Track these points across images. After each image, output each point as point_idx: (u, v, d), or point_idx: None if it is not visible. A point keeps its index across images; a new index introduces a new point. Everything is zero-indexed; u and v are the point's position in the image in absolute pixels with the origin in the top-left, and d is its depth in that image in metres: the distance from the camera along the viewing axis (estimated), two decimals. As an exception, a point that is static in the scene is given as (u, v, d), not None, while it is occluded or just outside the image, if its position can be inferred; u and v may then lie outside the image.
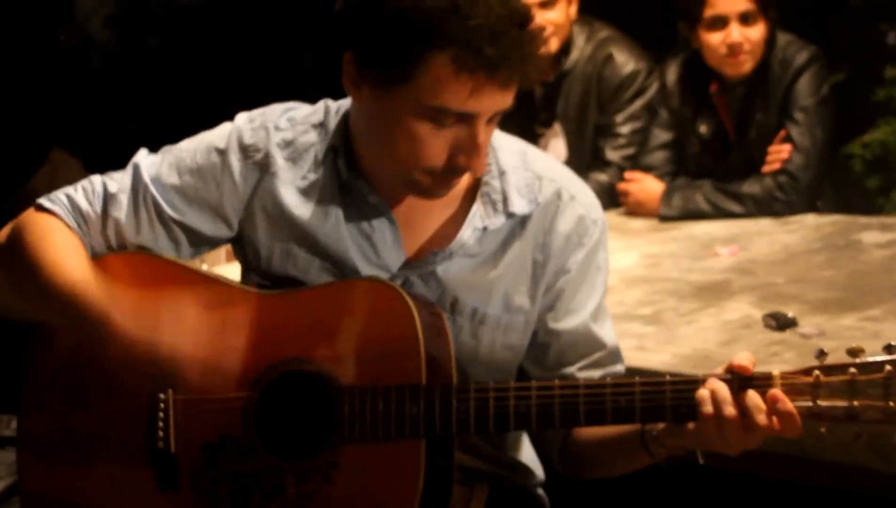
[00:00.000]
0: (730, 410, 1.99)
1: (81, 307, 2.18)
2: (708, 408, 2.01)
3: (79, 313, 2.18)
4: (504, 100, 2.08)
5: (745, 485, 2.90)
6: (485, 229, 2.25)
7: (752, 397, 1.99)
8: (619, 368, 2.35)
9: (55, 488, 2.28)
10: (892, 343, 1.98)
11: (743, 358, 2.03)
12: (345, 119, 2.27)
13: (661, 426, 2.12)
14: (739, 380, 2.02)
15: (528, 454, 2.50)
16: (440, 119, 2.07)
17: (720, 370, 2.06)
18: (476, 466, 2.40)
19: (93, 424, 2.24)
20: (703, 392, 2.02)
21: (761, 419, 1.98)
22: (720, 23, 4.32)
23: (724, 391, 2.01)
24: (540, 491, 2.52)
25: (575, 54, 4.71)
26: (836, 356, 2.02)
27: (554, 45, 4.61)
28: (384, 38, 2.05)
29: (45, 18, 5.09)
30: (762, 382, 2.01)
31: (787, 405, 1.98)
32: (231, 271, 2.42)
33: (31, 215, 2.29)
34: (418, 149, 2.10)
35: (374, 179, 2.25)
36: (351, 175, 2.25)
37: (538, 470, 2.51)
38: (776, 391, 1.98)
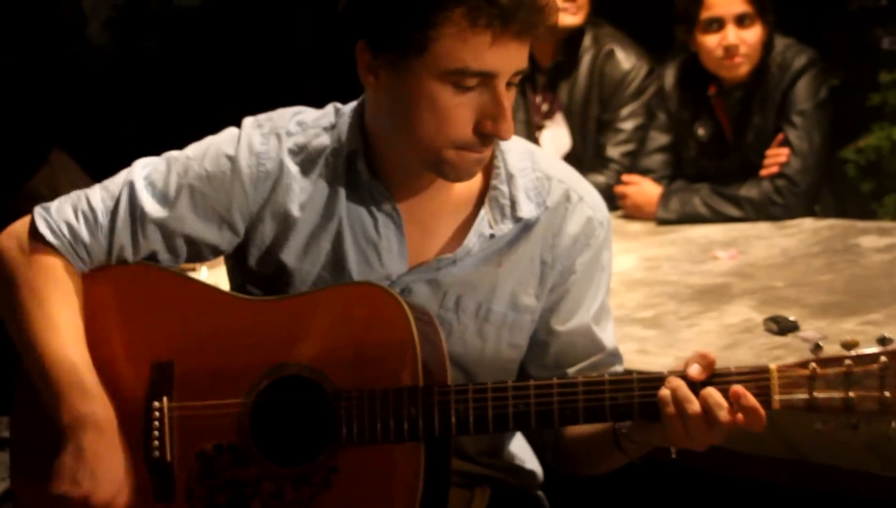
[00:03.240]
0: (692, 408, 2.00)
1: (69, 385, 2.15)
2: (670, 408, 2.01)
3: (65, 389, 2.15)
4: (520, 56, 2.07)
5: (745, 489, 2.89)
6: (492, 236, 2.24)
7: (713, 394, 2.00)
8: (617, 368, 2.35)
9: (48, 495, 2.25)
10: (886, 335, 1.99)
11: (695, 371, 2.02)
12: (359, 121, 2.25)
13: (629, 423, 2.13)
14: (737, 375, 2.02)
15: (527, 457, 2.50)
16: (461, 83, 2.05)
17: (683, 363, 2.06)
18: (476, 471, 2.39)
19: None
20: (665, 392, 2.02)
21: (723, 415, 1.99)
22: (716, 25, 4.32)
23: (683, 388, 2.01)
24: (539, 493, 2.51)
25: (580, 52, 4.71)
26: (831, 350, 2.04)
27: (580, 17, 4.62)
28: (396, 11, 2.03)
29: (44, 20, 5.09)
30: (721, 378, 2.02)
31: (751, 400, 1.98)
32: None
33: (29, 244, 2.24)
34: (444, 120, 2.08)
35: (392, 181, 2.23)
36: (371, 177, 2.22)
37: (538, 473, 2.50)
38: (738, 388, 1.99)
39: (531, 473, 2.47)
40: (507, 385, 2.10)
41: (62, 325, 2.19)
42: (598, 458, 2.28)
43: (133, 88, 5.23)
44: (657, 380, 2.05)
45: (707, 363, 2.02)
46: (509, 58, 2.06)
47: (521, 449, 2.48)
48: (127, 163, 2.33)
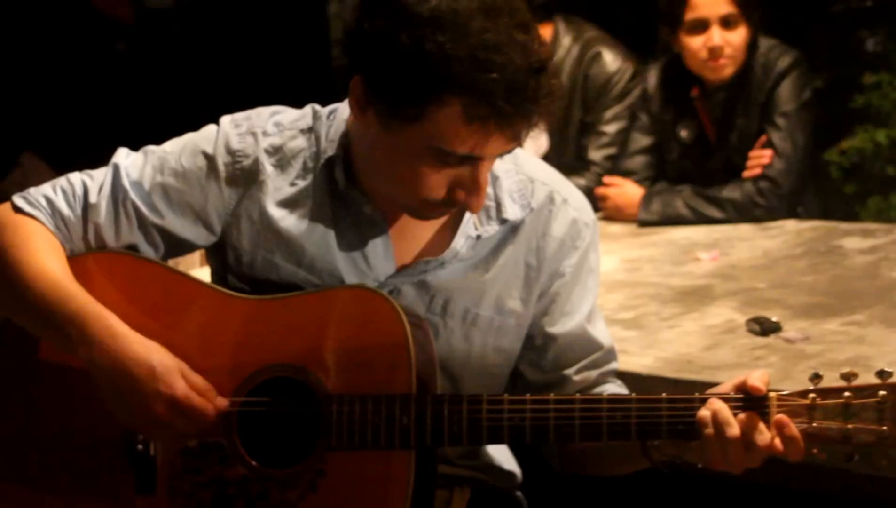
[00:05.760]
0: (732, 431, 1.99)
1: (70, 317, 2.12)
2: (710, 430, 2.00)
3: (68, 323, 2.12)
4: (511, 145, 2.05)
5: (730, 488, 2.88)
6: (478, 237, 2.23)
7: (752, 418, 1.99)
8: (615, 365, 2.35)
9: (26, 488, 2.24)
10: (886, 369, 2.00)
11: (757, 379, 2.01)
12: (342, 129, 2.23)
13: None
14: (736, 400, 2.02)
15: (505, 457, 2.49)
16: (444, 159, 2.04)
17: (727, 386, 2.05)
18: (456, 472, 2.39)
19: (69, 424, 2.21)
20: (705, 413, 2.01)
21: (761, 440, 1.98)
22: (701, 26, 4.31)
23: (725, 412, 2.00)
24: (518, 494, 2.51)
25: (561, 53, 4.70)
26: (818, 363, 2.04)
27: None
28: (397, 75, 1.99)
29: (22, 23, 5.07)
30: (760, 402, 2.01)
31: (793, 430, 1.98)
32: (205, 274, 2.38)
33: (9, 217, 2.24)
34: (418, 182, 2.07)
35: (370, 189, 2.22)
36: (348, 185, 2.22)
37: (516, 473, 2.49)
38: (783, 417, 1.98)
39: (510, 473, 2.47)
40: (503, 398, 2.09)
41: (50, 267, 2.17)
42: (619, 463, 2.26)
43: (105, 90, 5.21)
44: (689, 401, 2.04)
45: (765, 382, 2.01)
46: (498, 148, 2.04)
47: (499, 450, 2.47)
48: (98, 166, 2.32)
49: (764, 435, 1.98)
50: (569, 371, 2.29)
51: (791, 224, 4.21)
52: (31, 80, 5.09)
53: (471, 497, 2.40)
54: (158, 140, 2.33)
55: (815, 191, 4.68)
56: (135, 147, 2.33)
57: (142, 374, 2.08)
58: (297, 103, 2.34)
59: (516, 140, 2.04)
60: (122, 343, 2.10)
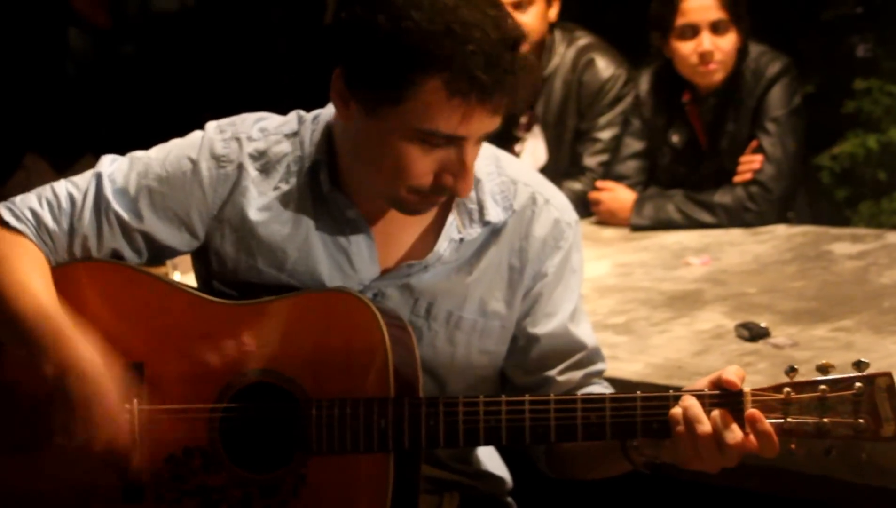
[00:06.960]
0: (703, 428, 1.98)
1: (45, 334, 2.12)
2: (680, 427, 2.00)
3: (42, 339, 2.12)
4: (493, 122, 2.07)
5: (715, 496, 2.89)
6: (461, 239, 2.24)
7: (724, 415, 1.98)
8: (601, 366, 2.34)
9: (13, 498, 2.24)
10: (862, 360, 1.98)
11: (731, 373, 2.01)
12: (327, 133, 2.24)
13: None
14: (710, 397, 2.01)
15: (495, 463, 2.49)
16: (429, 141, 2.05)
17: (703, 382, 2.05)
18: (445, 476, 2.39)
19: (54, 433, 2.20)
20: (676, 411, 2.01)
21: (731, 437, 1.97)
22: (691, 31, 4.32)
23: (696, 408, 1.99)
24: (509, 500, 2.51)
25: (556, 60, 4.70)
26: (807, 370, 2.02)
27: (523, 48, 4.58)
28: (376, 59, 2.02)
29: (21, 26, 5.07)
30: (734, 398, 2.00)
31: (765, 425, 1.97)
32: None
33: None
34: (405, 168, 2.08)
35: (354, 192, 2.22)
36: (332, 189, 2.22)
37: (507, 479, 2.50)
38: (754, 412, 1.97)
39: (500, 479, 2.47)
40: (479, 400, 2.10)
41: (32, 283, 2.17)
42: (601, 465, 2.26)
43: (110, 92, 5.22)
44: (663, 398, 2.03)
45: (740, 377, 2.01)
46: (481, 126, 2.06)
47: (489, 455, 2.48)
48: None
49: (735, 433, 1.96)
50: (552, 372, 2.29)
51: (781, 229, 4.21)
52: (35, 80, 5.09)
53: (460, 502, 2.41)
54: (160, 142, 2.33)
55: (807, 196, 4.68)
56: (137, 148, 2.34)
57: (99, 414, 2.08)
58: (296, 105, 2.35)
59: (497, 115, 2.06)
60: (91, 376, 2.09)
